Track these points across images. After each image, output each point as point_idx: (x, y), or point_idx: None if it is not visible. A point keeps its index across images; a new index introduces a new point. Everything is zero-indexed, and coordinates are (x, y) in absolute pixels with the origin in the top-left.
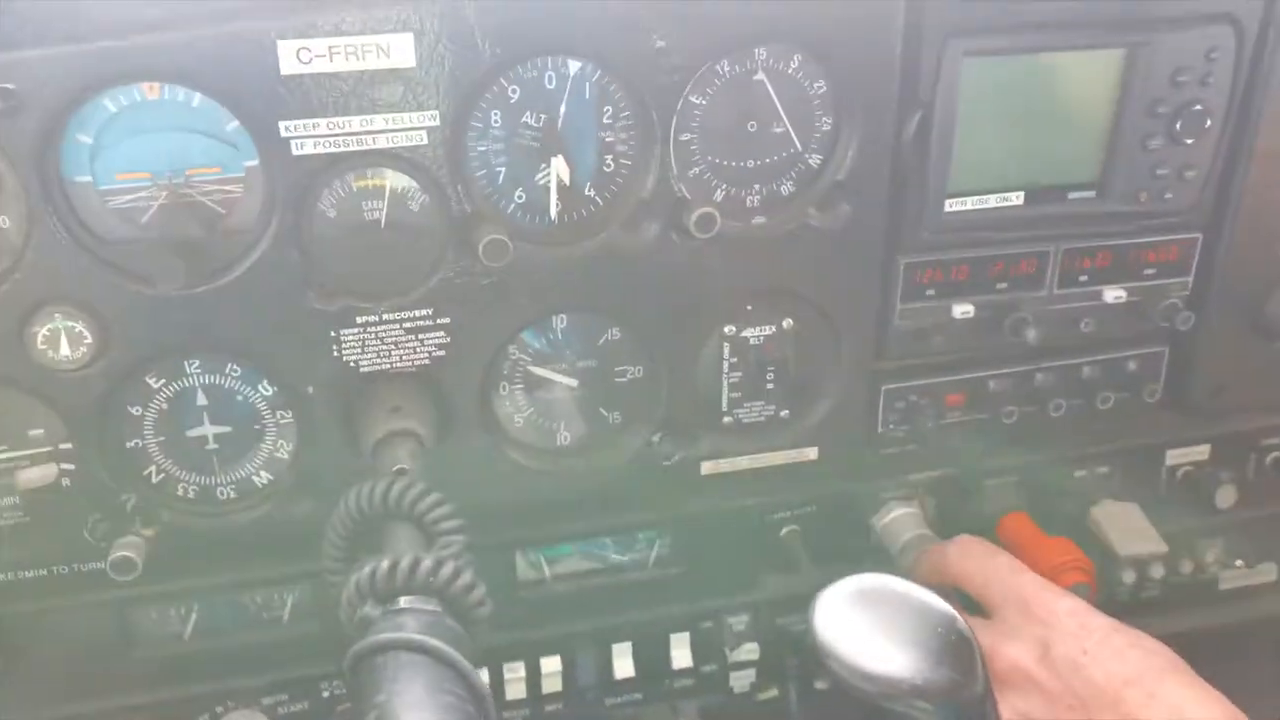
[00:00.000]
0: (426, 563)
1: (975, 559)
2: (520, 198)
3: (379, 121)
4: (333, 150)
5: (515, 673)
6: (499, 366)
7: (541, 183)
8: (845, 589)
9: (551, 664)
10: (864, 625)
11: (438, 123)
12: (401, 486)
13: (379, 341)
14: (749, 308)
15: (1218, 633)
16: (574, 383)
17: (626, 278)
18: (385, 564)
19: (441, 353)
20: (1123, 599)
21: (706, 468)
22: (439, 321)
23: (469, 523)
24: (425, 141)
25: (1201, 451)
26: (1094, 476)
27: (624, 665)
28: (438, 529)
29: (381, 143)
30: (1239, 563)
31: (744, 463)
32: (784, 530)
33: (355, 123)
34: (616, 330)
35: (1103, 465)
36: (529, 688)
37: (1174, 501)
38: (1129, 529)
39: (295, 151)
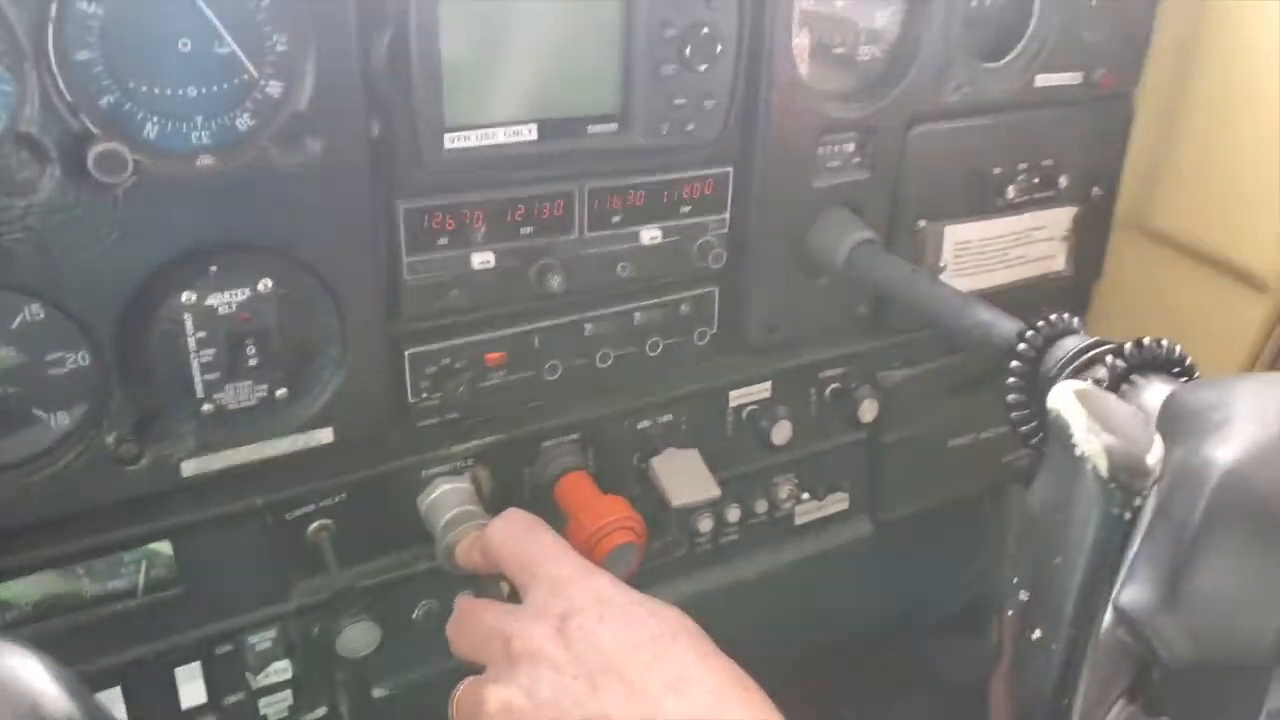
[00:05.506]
0: None
1: (518, 540)
2: None
3: None
4: None
5: None
6: None
7: None
8: None
9: None
10: None
11: None
12: None
13: None
14: (213, 269)
15: (798, 566)
16: None
17: (33, 244)
18: None
19: None
20: (705, 549)
21: (190, 468)
22: None
23: None
24: None
25: (764, 389)
26: (659, 426)
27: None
28: None
29: None
30: (805, 496)
31: (238, 456)
32: (311, 527)
33: None
34: (36, 308)
35: (667, 414)
36: None
37: (740, 443)
38: (684, 477)
39: None
